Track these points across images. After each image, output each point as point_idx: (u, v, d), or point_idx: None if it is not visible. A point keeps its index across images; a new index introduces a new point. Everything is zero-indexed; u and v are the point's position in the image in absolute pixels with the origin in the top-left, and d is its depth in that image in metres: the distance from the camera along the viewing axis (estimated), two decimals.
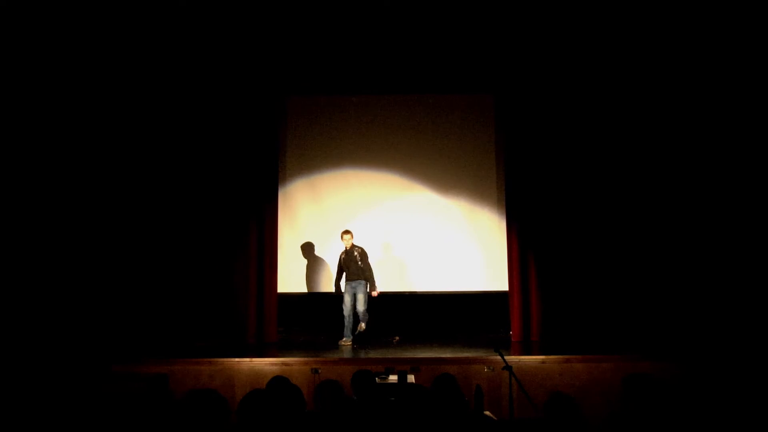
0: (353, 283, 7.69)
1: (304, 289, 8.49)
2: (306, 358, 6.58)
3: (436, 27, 7.78)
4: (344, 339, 7.65)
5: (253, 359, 6.59)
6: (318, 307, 8.43)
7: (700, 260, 7.60)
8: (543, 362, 6.39)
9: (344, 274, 7.78)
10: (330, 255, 8.41)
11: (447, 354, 6.83)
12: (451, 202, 8.51)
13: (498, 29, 7.85)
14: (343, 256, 7.79)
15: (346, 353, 7.19)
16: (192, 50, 7.89)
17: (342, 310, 7.72)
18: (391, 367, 5.83)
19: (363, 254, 7.75)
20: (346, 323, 7.69)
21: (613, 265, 7.83)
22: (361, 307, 7.64)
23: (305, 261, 8.51)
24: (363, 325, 7.62)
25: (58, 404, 5.84)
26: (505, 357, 5.32)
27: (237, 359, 6.54)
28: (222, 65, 8.04)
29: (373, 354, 7.07)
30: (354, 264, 7.69)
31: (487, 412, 4.62)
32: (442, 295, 8.46)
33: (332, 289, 8.16)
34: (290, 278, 8.45)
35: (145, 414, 3.28)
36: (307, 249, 8.51)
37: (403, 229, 8.47)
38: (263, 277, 8.14)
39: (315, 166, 8.58)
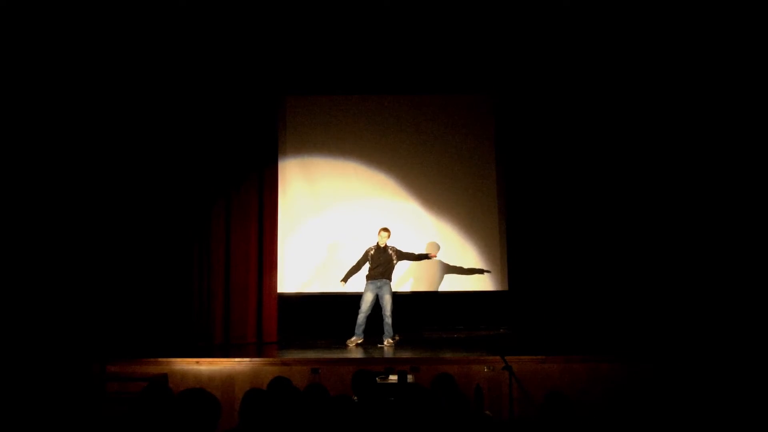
0: (378, 282, 7.61)
1: (303, 289, 8.47)
2: (306, 358, 6.58)
3: (434, 27, 7.78)
4: (354, 337, 7.58)
5: (253, 359, 6.58)
6: (318, 308, 8.41)
7: (696, 260, 7.61)
8: (543, 362, 6.38)
9: (368, 270, 7.68)
10: (330, 255, 8.40)
11: (447, 354, 6.83)
12: (451, 200, 8.50)
13: (497, 30, 7.86)
14: (372, 252, 7.70)
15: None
16: (191, 51, 7.90)
17: (359, 306, 7.62)
18: (391, 367, 5.83)
19: (398, 254, 7.71)
20: (359, 321, 7.57)
21: (611, 266, 7.82)
22: (388, 315, 7.53)
23: (305, 261, 8.50)
24: (390, 340, 7.54)
25: (55, 404, 5.84)
26: (505, 357, 5.32)
27: (237, 359, 6.54)
28: (223, 66, 8.06)
29: (373, 354, 7.08)
30: (386, 263, 7.62)
31: (486, 412, 4.62)
32: (442, 295, 8.45)
33: (332, 290, 8.15)
34: (290, 278, 8.44)
35: (144, 414, 3.27)
36: (307, 249, 8.49)
37: (402, 229, 8.44)
38: (263, 276, 8.15)
39: (314, 164, 8.57)
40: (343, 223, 8.40)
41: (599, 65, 7.95)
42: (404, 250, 7.82)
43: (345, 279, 7.70)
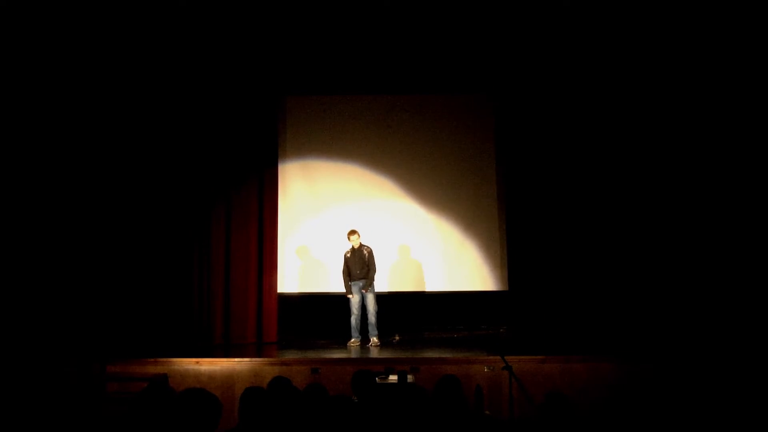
0: (360, 283, 7.67)
1: (303, 289, 8.47)
2: (306, 358, 6.59)
3: (435, 28, 7.78)
4: (353, 339, 7.63)
5: (253, 359, 6.59)
6: (318, 308, 8.41)
7: (696, 260, 7.62)
8: (543, 362, 6.39)
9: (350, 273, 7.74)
10: (330, 255, 8.40)
11: (447, 354, 6.83)
12: (450, 200, 8.49)
13: (498, 30, 7.86)
14: (348, 255, 7.76)
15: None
16: (191, 51, 7.90)
17: (350, 309, 7.68)
18: (391, 367, 5.83)
19: (371, 253, 7.75)
20: (353, 324, 7.65)
21: (612, 266, 7.82)
22: (372, 313, 7.58)
23: (305, 261, 8.50)
24: (376, 339, 7.58)
25: (56, 405, 5.84)
26: (505, 357, 5.32)
27: (237, 359, 6.55)
28: (224, 66, 8.05)
29: (373, 354, 7.08)
30: (363, 263, 7.67)
31: (486, 412, 4.62)
32: (442, 295, 8.45)
33: (331, 290, 8.15)
34: (290, 278, 8.44)
35: (145, 414, 3.27)
36: (307, 250, 8.50)
37: (402, 229, 8.45)
38: (263, 276, 8.14)
39: (313, 164, 8.56)
40: (343, 223, 8.37)
41: (599, 65, 7.94)
42: (374, 255, 7.78)
43: (347, 289, 7.74)
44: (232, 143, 8.15)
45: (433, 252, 8.47)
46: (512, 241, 8.27)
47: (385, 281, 8.25)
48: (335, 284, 8.09)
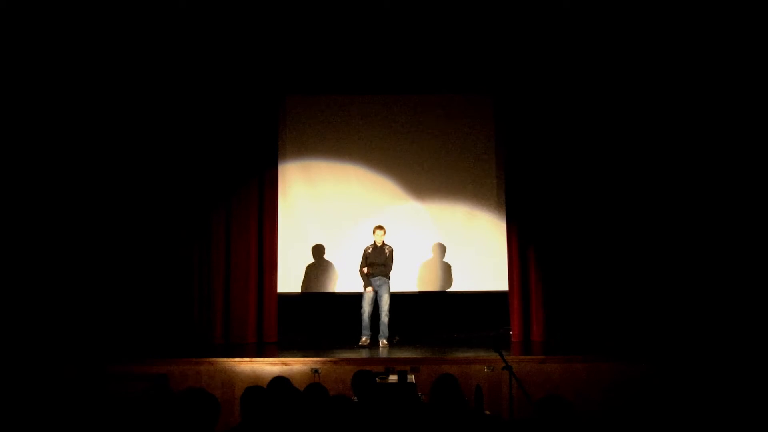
0: (377, 281, 7.60)
1: (304, 289, 8.46)
2: (306, 358, 6.58)
3: (435, 27, 7.80)
4: (364, 338, 7.56)
5: (253, 359, 6.59)
6: (318, 308, 8.40)
7: (695, 260, 7.61)
8: (543, 362, 6.38)
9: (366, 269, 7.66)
10: (330, 255, 8.41)
11: (447, 354, 6.83)
12: (451, 201, 8.50)
13: (498, 29, 7.87)
14: (369, 251, 7.69)
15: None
16: (191, 51, 7.90)
17: (361, 306, 7.61)
18: (391, 367, 5.83)
19: (392, 252, 7.69)
20: (364, 323, 7.58)
21: (612, 266, 7.82)
22: (385, 313, 7.51)
23: (305, 261, 8.50)
24: (385, 341, 7.51)
25: (56, 405, 5.84)
26: (505, 357, 5.32)
27: (237, 359, 6.55)
28: (224, 67, 8.05)
29: (374, 354, 7.07)
30: (383, 261, 7.61)
31: (486, 412, 4.62)
32: (442, 295, 8.45)
33: (332, 290, 8.14)
34: (290, 278, 8.44)
35: (145, 414, 3.28)
36: (307, 249, 8.50)
37: (402, 229, 8.44)
38: (263, 276, 8.14)
39: (314, 165, 8.56)
40: (344, 223, 8.39)
41: (599, 64, 7.95)
42: (394, 254, 7.77)
43: (366, 282, 7.63)
44: (233, 143, 8.14)
45: (434, 252, 8.48)
46: (513, 242, 8.26)
47: None
48: (335, 284, 8.10)
